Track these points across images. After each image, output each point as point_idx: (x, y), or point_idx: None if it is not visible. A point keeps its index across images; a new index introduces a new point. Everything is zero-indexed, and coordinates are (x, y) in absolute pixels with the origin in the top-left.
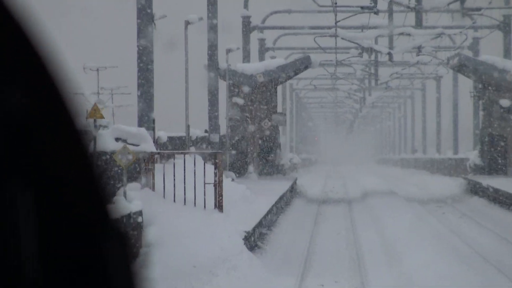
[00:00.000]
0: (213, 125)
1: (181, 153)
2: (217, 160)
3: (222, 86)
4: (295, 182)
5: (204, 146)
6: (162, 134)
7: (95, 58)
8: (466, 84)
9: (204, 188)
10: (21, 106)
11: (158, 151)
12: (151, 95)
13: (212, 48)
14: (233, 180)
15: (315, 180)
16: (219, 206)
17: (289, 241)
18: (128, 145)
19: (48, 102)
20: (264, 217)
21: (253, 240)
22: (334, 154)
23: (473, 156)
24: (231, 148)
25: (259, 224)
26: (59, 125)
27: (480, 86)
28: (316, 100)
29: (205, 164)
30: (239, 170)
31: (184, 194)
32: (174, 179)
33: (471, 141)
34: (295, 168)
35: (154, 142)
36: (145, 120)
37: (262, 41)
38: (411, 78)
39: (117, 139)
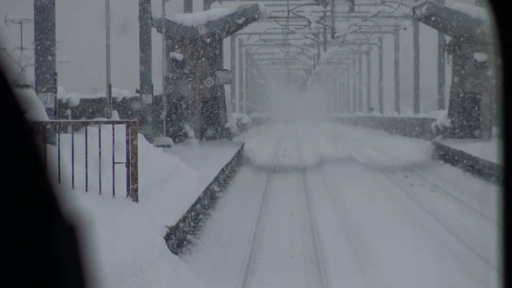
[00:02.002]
0: (146, 84)
1: (81, 122)
2: (129, 132)
3: (159, 40)
4: (242, 148)
5: (134, 108)
6: (74, 96)
7: (18, 9)
8: (427, 39)
9: (113, 170)
10: None
11: (52, 120)
12: (51, 49)
13: None
14: (170, 146)
15: (266, 142)
16: (132, 193)
17: (230, 229)
18: None
19: None
20: (199, 200)
21: (181, 234)
22: (287, 113)
23: (441, 116)
24: (167, 111)
25: (191, 210)
26: None
27: (450, 39)
28: (267, 57)
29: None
30: (178, 136)
31: (86, 177)
32: (73, 158)
33: (431, 101)
34: (245, 129)
35: (61, 105)
36: (44, 79)
37: None
38: (369, 32)
39: None
